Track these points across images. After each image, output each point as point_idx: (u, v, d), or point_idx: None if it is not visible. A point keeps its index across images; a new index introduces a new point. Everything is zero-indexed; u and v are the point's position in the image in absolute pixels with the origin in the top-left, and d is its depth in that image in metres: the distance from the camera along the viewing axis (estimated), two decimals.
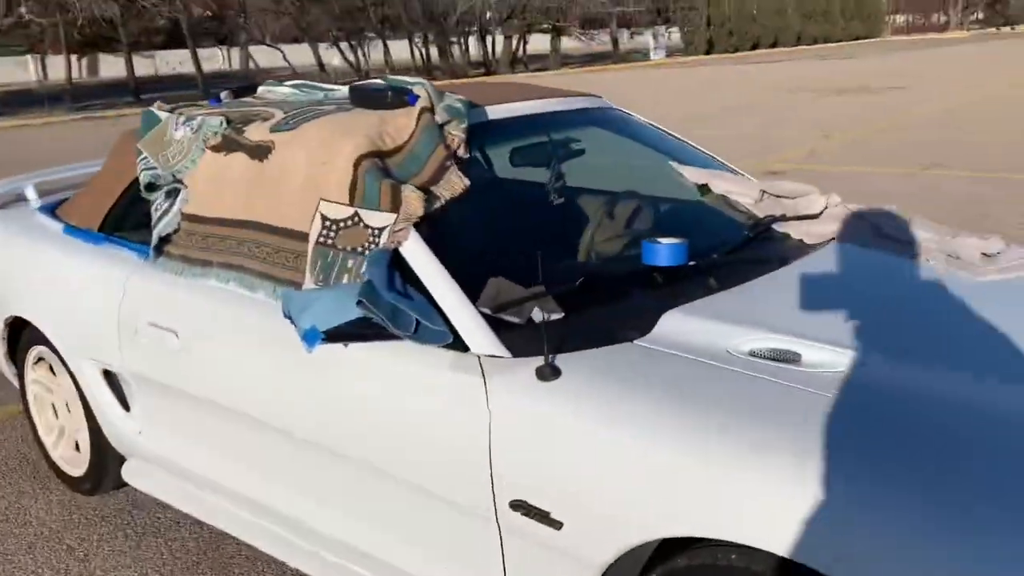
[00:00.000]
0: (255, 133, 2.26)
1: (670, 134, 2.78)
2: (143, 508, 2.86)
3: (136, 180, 2.57)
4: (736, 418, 1.40)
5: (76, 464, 2.99)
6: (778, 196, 2.40)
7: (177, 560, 2.55)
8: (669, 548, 1.48)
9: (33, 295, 2.76)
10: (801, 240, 2.19)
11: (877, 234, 2.17)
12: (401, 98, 2.21)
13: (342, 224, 1.99)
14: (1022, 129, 10.18)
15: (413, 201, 1.91)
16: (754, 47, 51.50)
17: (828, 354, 1.55)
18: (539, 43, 62.12)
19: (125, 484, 2.90)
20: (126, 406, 2.62)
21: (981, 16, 78.57)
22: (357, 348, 1.82)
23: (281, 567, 2.48)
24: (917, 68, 22.86)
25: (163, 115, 2.60)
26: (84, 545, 2.67)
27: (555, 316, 1.76)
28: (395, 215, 1.91)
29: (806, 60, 29.98)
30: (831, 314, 1.71)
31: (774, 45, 52.54)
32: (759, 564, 1.31)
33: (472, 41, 43.53)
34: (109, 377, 2.63)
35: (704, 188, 2.43)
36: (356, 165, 1.99)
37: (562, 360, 1.62)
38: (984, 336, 1.64)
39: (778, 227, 2.25)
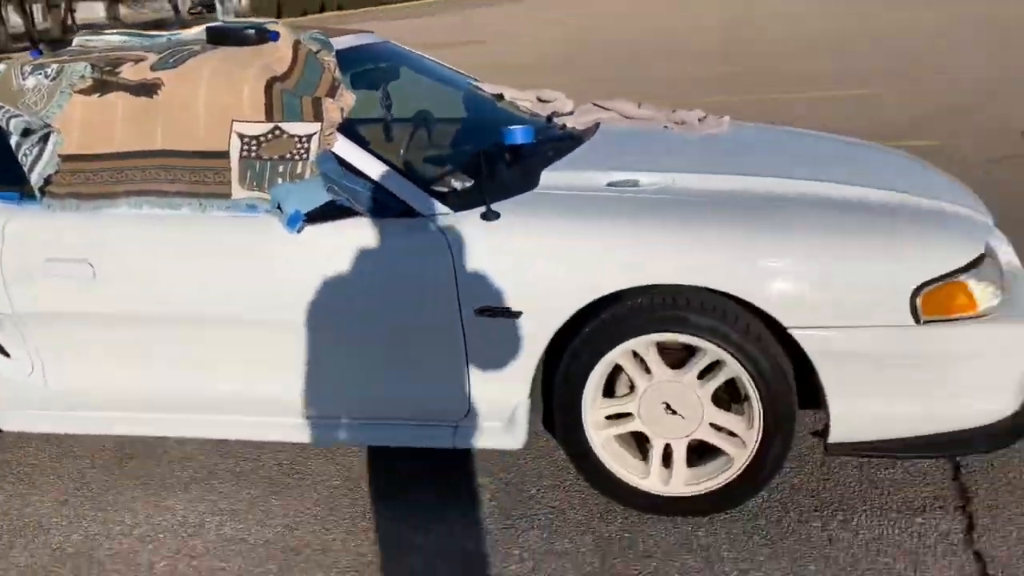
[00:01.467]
0: (133, 73, 2.52)
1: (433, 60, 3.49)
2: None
3: None
4: (614, 214, 2.22)
5: None
6: (541, 100, 3.27)
7: (89, 478, 2.75)
8: (588, 312, 2.27)
9: None
10: (575, 127, 3.08)
11: (622, 116, 3.14)
12: (264, 36, 2.64)
13: (263, 138, 2.41)
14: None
15: (333, 110, 2.42)
16: (322, 9, 52.29)
17: (649, 177, 2.45)
18: (88, 12, 56.11)
19: None
20: (5, 354, 2.68)
21: None
22: (328, 233, 2.31)
23: (187, 453, 2.82)
24: (498, 22, 25.55)
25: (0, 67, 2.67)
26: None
27: (468, 183, 2.43)
28: (319, 124, 2.40)
29: (376, 21, 31.47)
30: (634, 159, 2.61)
31: (339, 8, 53.61)
32: (666, 294, 2.15)
33: (10, 11, 38.31)
34: None
35: (499, 96, 3.21)
36: (267, 88, 2.42)
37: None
38: (715, 155, 2.67)
39: (555, 120, 3.12)
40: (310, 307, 2.36)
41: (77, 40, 2.96)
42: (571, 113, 3.26)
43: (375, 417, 2.50)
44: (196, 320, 2.46)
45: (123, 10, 45.63)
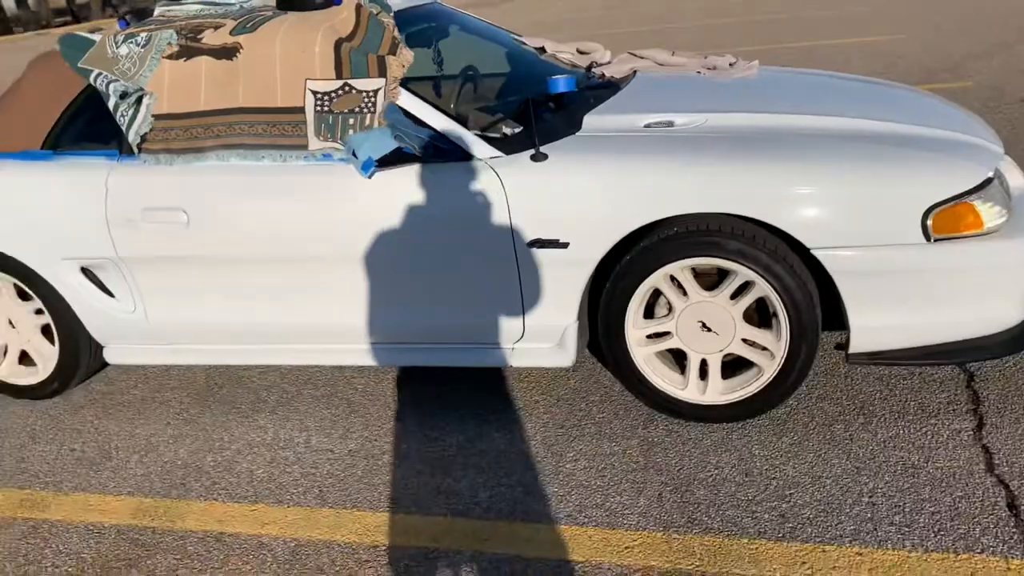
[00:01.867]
0: (214, 38, 2.81)
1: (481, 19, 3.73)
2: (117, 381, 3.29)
3: (77, 98, 2.95)
4: (650, 151, 2.46)
5: (28, 375, 3.27)
6: (581, 52, 3.50)
7: (187, 405, 3.10)
8: (629, 241, 2.53)
9: None
10: (612, 76, 3.31)
11: (656, 64, 3.36)
12: (328, 1, 2.91)
13: (334, 94, 2.69)
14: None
15: (396, 67, 2.68)
16: None
17: (682, 118, 2.68)
18: None
19: (94, 374, 3.29)
20: (109, 294, 3.03)
21: None
22: (396, 177, 2.59)
23: (267, 377, 3.16)
24: None
25: (94, 37, 2.97)
26: (130, 429, 3.08)
27: (517, 129, 2.68)
28: (383, 79, 2.67)
29: None
30: (669, 102, 2.84)
31: None
32: (714, 221, 2.40)
33: None
34: (86, 274, 3.01)
35: (541, 50, 3.45)
36: (336, 48, 2.69)
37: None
38: (746, 98, 2.88)
39: (594, 69, 3.35)
40: (381, 244, 2.65)
41: (158, 10, 3.24)
42: (609, 63, 3.49)
43: (440, 341, 2.80)
44: (279, 259, 2.77)
45: None
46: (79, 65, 2.92)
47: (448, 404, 2.92)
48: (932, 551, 2.01)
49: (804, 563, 2.03)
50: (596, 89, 3.07)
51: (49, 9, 37.29)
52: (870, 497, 2.22)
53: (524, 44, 3.54)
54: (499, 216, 2.54)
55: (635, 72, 3.32)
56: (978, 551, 1.99)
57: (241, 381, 3.26)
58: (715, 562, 2.07)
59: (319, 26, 2.74)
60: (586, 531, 2.24)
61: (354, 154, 2.57)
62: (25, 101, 3.04)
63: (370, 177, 2.59)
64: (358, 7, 2.89)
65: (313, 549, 2.29)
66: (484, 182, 2.54)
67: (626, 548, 2.16)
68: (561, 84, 2.83)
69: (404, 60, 2.75)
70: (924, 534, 2.07)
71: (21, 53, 22.39)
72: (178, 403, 3.16)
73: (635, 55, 3.44)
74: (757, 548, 2.10)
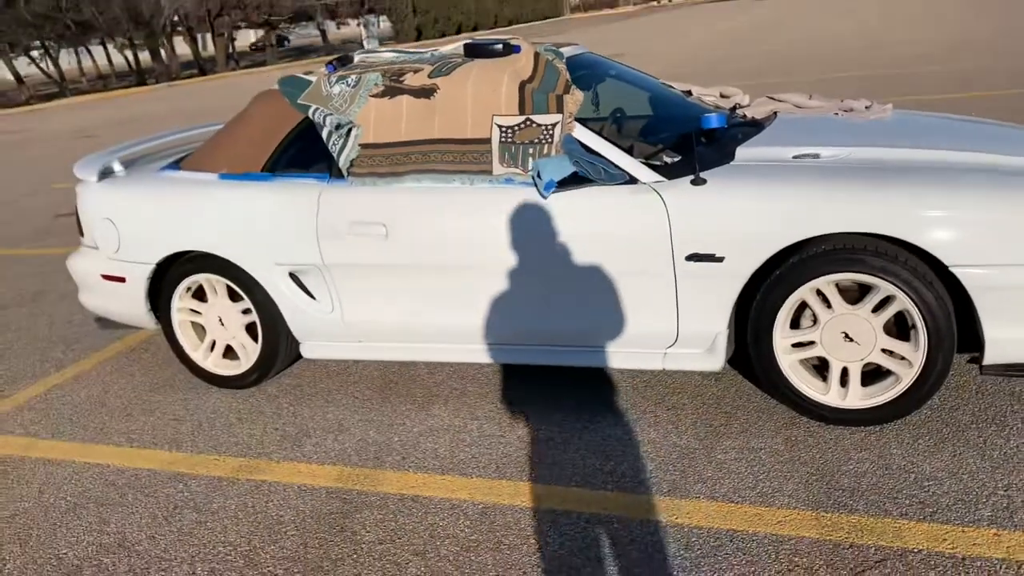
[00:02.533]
0: (415, 80, 3.30)
1: (620, 63, 4.15)
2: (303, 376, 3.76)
3: (294, 129, 3.47)
4: (800, 177, 2.78)
5: (230, 367, 3.78)
6: (723, 96, 3.87)
7: (369, 397, 3.54)
8: (780, 257, 2.85)
9: (205, 229, 3.51)
10: (755, 116, 3.66)
11: (794, 106, 3.70)
12: (509, 49, 3.37)
13: (517, 128, 3.13)
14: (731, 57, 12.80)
15: (572, 104, 3.10)
16: (458, 31, 54.35)
17: (827, 151, 3.01)
18: (244, 39, 60.03)
19: (286, 368, 3.78)
20: (311, 296, 3.51)
21: None
22: (571, 197, 2.99)
23: (440, 378, 3.56)
24: (629, 36, 26.17)
25: (310, 78, 3.51)
26: (295, 407, 3.55)
27: (676, 158, 3.06)
28: (560, 115, 3.09)
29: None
30: (813, 139, 3.17)
31: (475, 28, 55.67)
32: (859, 240, 2.70)
33: (178, 41, 41.79)
34: (293, 278, 3.50)
35: (688, 92, 3.84)
36: (520, 88, 3.14)
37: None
38: (884, 135, 3.19)
39: (738, 111, 3.71)
40: (555, 255, 3.04)
41: (358, 56, 3.78)
42: (749, 105, 3.85)
43: (600, 345, 3.16)
44: (464, 267, 3.19)
45: (275, 37, 48.82)
46: (299, 101, 3.46)
47: (605, 401, 3.26)
48: None
49: (945, 540, 2.28)
50: (743, 126, 3.43)
51: (179, 63, 40.09)
52: (1005, 490, 2.45)
53: (672, 87, 3.93)
54: (661, 232, 2.90)
55: (775, 113, 3.66)
56: None
57: (414, 378, 3.68)
58: (862, 536, 2.34)
59: (505, 70, 3.20)
60: (741, 507, 2.53)
61: (538, 175, 2.98)
62: (248, 131, 3.59)
63: (548, 196, 3.00)
64: (536, 55, 3.34)
65: (499, 511, 2.65)
66: (648, 202, 2.92)
67: (778, 522, 2.44)
68: (714, 120, 3.19)
69: (577, 99, 3.18)
70: None
71: (154, 103, 24.23)
72: (361, 394, 3.60)
73: (773, 98, 3.79)
74: (900, 526, 2.36)
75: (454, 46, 3.71)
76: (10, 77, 34.37)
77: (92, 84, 39.69)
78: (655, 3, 78.99)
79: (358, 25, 53.97)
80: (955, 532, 2.31)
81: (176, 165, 3.84)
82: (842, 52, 14.25)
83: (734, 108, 3.79)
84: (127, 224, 3.70)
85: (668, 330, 3.03)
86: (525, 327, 3.20)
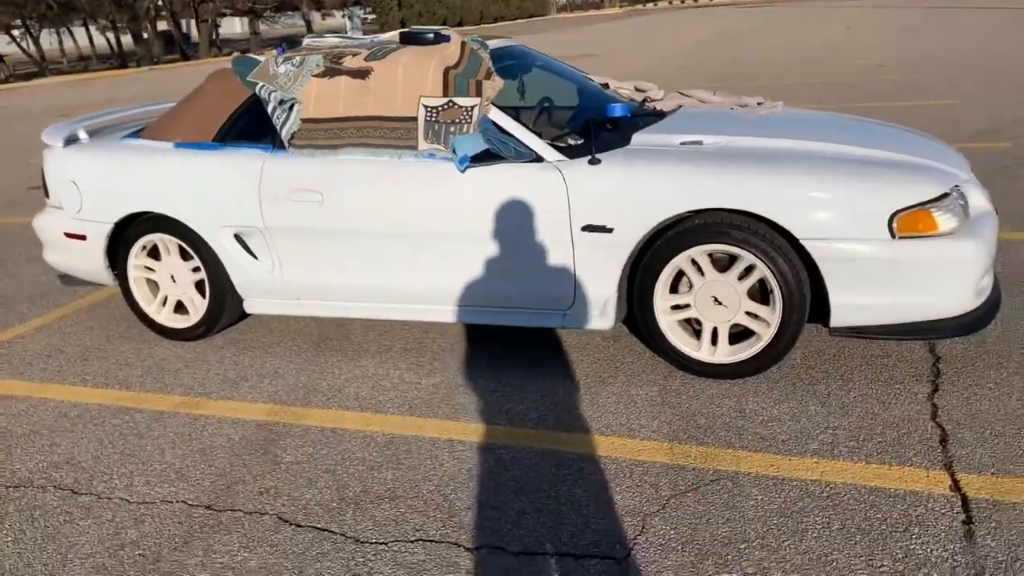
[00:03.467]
0: (352, 63, 3.67)
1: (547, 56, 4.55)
2: (246, 331, 4.13)
3: (243, 103, 3.84)
4: (681, 160, 3.19)
5: (181, 320, 4.14)
6: (638, 89, 4.28)
7: (304, 349, 3.91)
8: (661, 230, 3.25)
9: (160, 193, 3.87)
10: (662, 109, 4.07)
11: (699, 101, 4.11)
12: (439, 38, 3.76)
13: (440, 108, 3.51)
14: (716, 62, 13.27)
15: (489, 89, 3.49)
16: (443, 24, 54.58)
17: (710, 139, 3.42)
18: (229, 27, 59.93)
19: (231, 324, 4.14)
20: (253, 257, 3.88)
21: None
22: (484, 172, 3.38)
23: (384, 330, 3.94)
24: (607, 38, 26.62)
25: (260, 58, 3.88)
26: (232, 359, 3.91)
27: (579, 141, 3.46)
28: (479, 98, 3.48)
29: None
30: (703, 128, 3.58)
31: (460, 24, 55.90)
32: (727, 216, 3.11)
33: (161, 25, 41.73)
34: (237, 239, 3.86)
35: (605, 85, 4.25)
36: (444, 73, 3.52)
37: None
38: (765, 127, 3.60)
39: (647, 104, 4.12)
40: (467, 224, 3.43)
41: (306, 41, 4.15)
42: (660, 99, 4.26)
43: (507, 306, 3.55)
44: (389, 233, 3.57)
45: (261, 26, 48.88)
46: (247, 79, 3.83)
47: (510, 356, 3.65)
48: (872, 464, 2.65)
49: (772, 465, 2.69)
50: (646, 116, 3.84)
51: (161, 47, 40.05)
52: (834, 431, 2.87)
53: (591, 79, 4.34)
54: (560, 205, 3.29)
55: (680, 107, 4.07)
56: (907, 464, 2.63)
57: (347, 335, 4.06)
58: (705, 462, 2.75)
59: (433, 56, 3.58)
60: (609, 438, 2.93)
61: (454, 151, 3.37)
62: (202, 104, 3.96)
63: (464, 171, 3.38)
64: (462, 44, 3.73)
65: (403, 441, 3.04)
66: (551, 179, 3.31)
67: (638, 451, 2.85)
68: (617, 110, 3.60)
69: (495, 85, 3.56)
70: (869, 454, 2.71)
71: (135, 85, 24.35)
72: (297, 347, 3.97)
73: (683, 94, 4.20)
74: (739, 456, 2.77)
75: (391, 34, 4.09)
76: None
77: (73, 66, 39.61)
78: (640, 6, 79.62)
79: (343, 16, 54.13)
80: (783, 460, 2.72)
81: (136, 134, 4.20)
82: (807, 61, 14.76)
83: (644, 101, 4.20)
84: (89, 186, 4.05)
85: (566, 293, 3.42)
86: (442, 288, 3.59)
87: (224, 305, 4.00)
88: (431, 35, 3.76)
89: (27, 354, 4.15)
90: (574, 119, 3.86)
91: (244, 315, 4.23)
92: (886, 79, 11.39)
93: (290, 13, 56.76)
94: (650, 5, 78.66)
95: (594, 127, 3.46)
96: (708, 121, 3.76)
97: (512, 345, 3.79)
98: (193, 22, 42.32)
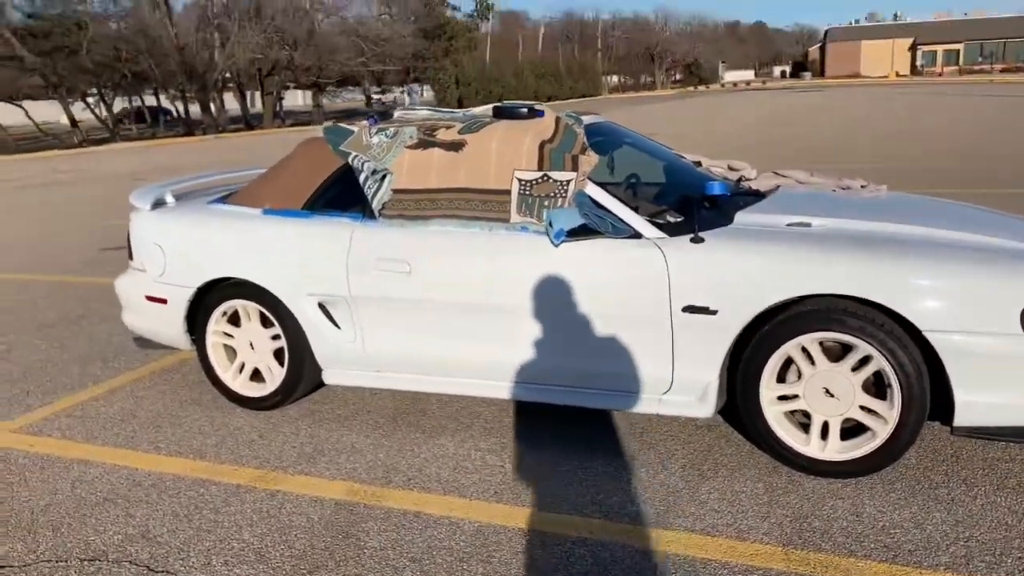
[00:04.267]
0: (446, 135, 3.63)
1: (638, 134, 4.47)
2: (327, 402, 4.01)
3: (334, 172, 3.81)
4: (802, 243, 3.04)
5: (256, 388, 4.05)
6: (731, 168, 4.16)
7: (381, 424, 3.77)
8: (768, 314, 3.08)
9: (246, 259, 3.82)
10: (759, 188, 3.94)
11: (797, 181, 3.98)
12: (533, 113, 3.71)
13: (534, 182, 3.43)
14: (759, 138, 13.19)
15: (586, 164, 3.41)
16: (500, 100, 55.78)
17: (819, 221, 3.27)
18: (292, 99, 62.09)
19: (307, 394, 4.03)
20: (336, 326, 3.79)
21: (679, 77, 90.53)
22: (580, 247, 3.27)
23: (466, 407, 3.79)
24: (661, 117, 26.85)
25: (353, 128, 3.87)
26: (342, 429, 3.79)
27: (679, 218, 3.34)
28: (575, 173, 3.39)
29: None
30: (808, 210, 3.44)
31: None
32: (842, 303, 2.94)
33: (228, 97, 43.32)
34: (321, 308, 3.79)
35: (698, 163, 4.14)
36: (540, 148, 3.45)
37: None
38: (874, 210, 3.44)
39: (743, 183, 4.00)
40: (561, 299, 3.30)
41: (398, 113, 4.14)
42: (755, 179, 4.13)
43: (599, 387, 3.39)
44: (477, 307, 3.46)
45: (324, 100, 50.49)
46: (340, 148, 3.80)
47: (601, 441, 3.47)
48: None
49: None
50: (745, 196, 3.71)
51: (226, 117, 41.48)
52: (966, 542, 2.62)
53: (683, 157, 4.24)
54: (660, 283, 3.15)
55: (779, 187, 3.94)
56: None
57: (424, 411, 3.92)
58: (826, 571, 2.51)
59: (528, 131, 3.52)
60: (717, 540, 2.72)
61: (549, 225, 3.27)
62: (292, 172, 3.94)
63: (559, 244, 3.27)
64: (557, 119, 3.67)
65: (492, 531, 2.86)
66: (650, 256, 3.18)
67: (750, 555, 2.62)
68: (716, 188, 3.48)
69: (591, 160, 3.48)
70: (1011, 572, 2.45)
71: (201, 152, 25.11)
72: (374, 422, 3.84)
73: (778, 174, 4.07)
74: (862, 566, 2.53)
75: (484, 108, 4.06)
76: (66, 120, 35.80)
77: (142, 132, 41.17)
78: (691, 88, 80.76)
79: (402, 93, 55.71)
80: (912, 573, 2.48)
81: (224, 200, 4.19)
82: (859, 143, 14.61)
83: (739, 180, 4.08)
84: (174, 250, 4.03)
85: (664, 377, 3.25)
86: (533, 366, 3.44)
87: (302, 374, 3.90)
88: (525, 110, 3.71)
89: (100, 417, 4.08)
90: (669, 196, 3.74)
91: (319, 385, 4.12)
92: (958, 165, 11.17)
93: (351, 88, 58.60)
94: (702, 88, 79.74)
95: (695, 204, 3.34)
96: (812, 202, 3.61)
97: (601, 429, 3.60)
98: (258, 94, 43.87)
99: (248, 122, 41.04)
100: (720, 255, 3.10)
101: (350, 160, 3.75)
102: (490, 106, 3.97)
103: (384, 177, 3.68)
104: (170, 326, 4.15)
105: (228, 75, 39.70)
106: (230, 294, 3.96)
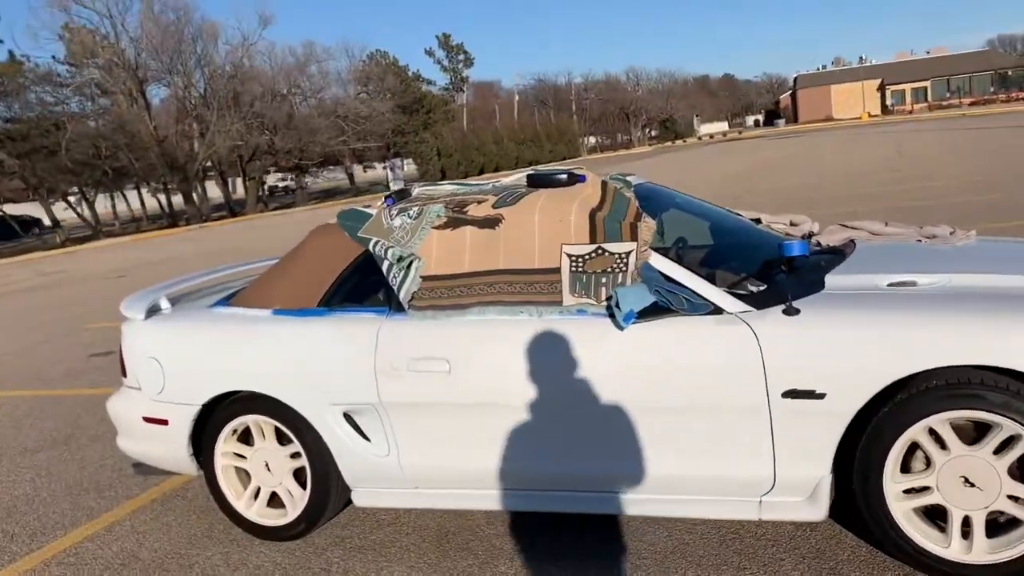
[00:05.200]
0: (478, 211, 3.18)
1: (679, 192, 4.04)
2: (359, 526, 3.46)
3: (352, 262, 3.34)
4: (903, 306, 2.58)
5: (275, 516, 3.50)
6: (793, 224, 3.73)
7: (425, 551, 3.23)
8: (885, 393, 2.60)
9: (256, 368, 3.33)
10: (830, 243, 3.50)
11: (871, 233, 3.54)
12: (574, 179, 3.27)
13: (587, 257, 2.97)
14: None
15: (646, 231, 2.96)
16: (481, 172, 56.07)
17: (924, 278, 2.81)
18: (274, 181, 62.17)
19: (333, 517, 3.49)
20: (366, 439, 3.27)
21: (655, 133, 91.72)
22: (649, 328, 2.80)
23: (511, 533, 3.26)
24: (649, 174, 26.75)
25: (370, 211, 3.42)
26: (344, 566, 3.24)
27: (762, 286, 2.88)
28: (635, 243, 2.94)
29: None
30: (904, 266, 2.99)
31: (496, 169, 57.39)
32: (977, 374, 2.46)
33: (209, 184, 43.25)
34: (347, 419, 3.28)
35: (757, 220, 3.71)
36: (591, 217, 3.01)
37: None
38: (977, 261, 3.00)
39: (813, 239, 3.56)
40: (638, 392, 2.81)
41: (417, 190, 3.70)
42: (820, 232, 3.70)
43: (684, 493, 2.87)
44: (531, 407, 2.96)
45: (307, 179, 50.53)
46: (359, 235, 3.34)
47: (691, 556, 2.94)
48: None
49: None
50: (824, 254, 3.26)
51: (209, 205, 41.33)
52: None
53: (740, 215, 3.80)
54: (752, 366, 2.67)
55: (852, 241, 3.50)
56: None
57: (472, 529, 3.38)
58: None
59: (573, 199, 3.08)
60: None
61: (616, 306, 2.79)
62: (303, 265, 3.46)
63: (626, 328, 2.80)
64: (603, 183, 3.23)
65: None
66: (738, 334, 2.71)
67: None
68: (796, 248, 3.03)
69: (651, 226, 3.03)
70: None
71: (185, 243, 24.71)
72: (416, 548, 3.29)
73: (847, 226, 3.64)
74: None
75: (515, 177, 3.63)
76: (47, 222, 35.51)
77: (124, 227, 40.86)
78: (669, 143, 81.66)
79: (383, 168, 55.89)
80: None
81: (226, 301, 3.71)
82: (834, 192, 14.36)
83: (807, 236, 3.64)
84: (173, 363, 3.53)
85: (764, 475, 2.75)
86: (604, 472, 2.94)
87: (328, 497, 3.37)
88: (564, 176, 3.28)
89: (97, 563, 3.52)
90: (737, 262, 3.29)
91: (345, 505, 3.58)
92: (974, 198, 10.85)
93: (331, 168, 58.81)
94: (679, 142, 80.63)
95: (776, 269, 2.88)
96: (905, 257, 3.17)
97: (687, 541, 3.08)
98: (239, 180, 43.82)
99: (231, 208, 40.83)
100: (821, 328, 2.63)
101: (370, 247, 3.29)
102: (522, 173, 3.54)
103: (411, 264, 3.22)
104: (173, 450, 3.62)
105: (209, 163, 39.61)
106: (240, 409, 3.45)
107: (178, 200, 39.95)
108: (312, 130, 41.99)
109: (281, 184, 62.74)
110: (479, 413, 3.05)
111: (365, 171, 63.11)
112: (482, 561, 3.12)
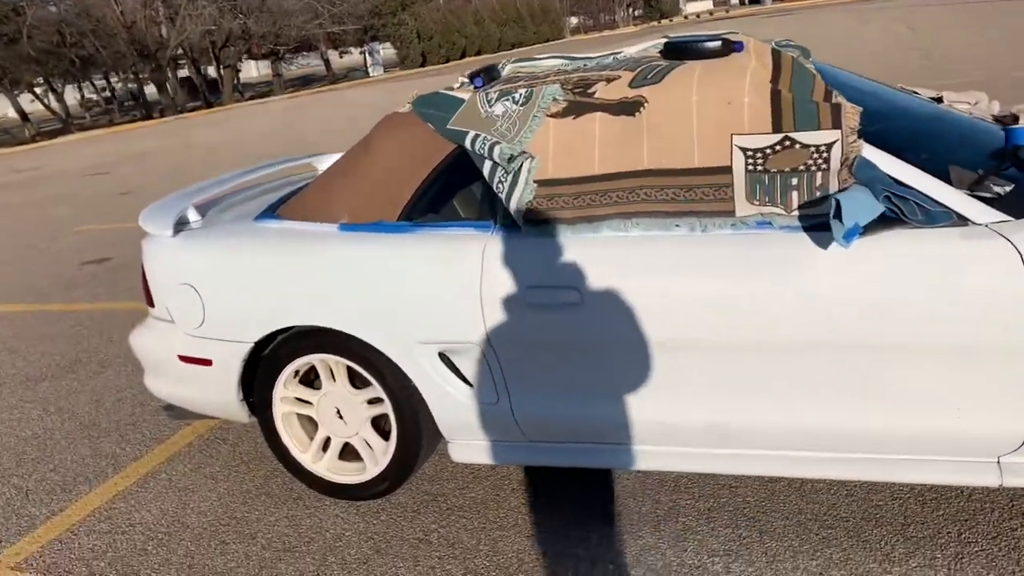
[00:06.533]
0: (610, 92, 2.43)
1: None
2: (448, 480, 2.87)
3: (440, 163, 2.61)
4: None
5: (350, 471, 2.90)
6: (974, 103, 3.01)
7: (547, 517, 2.64)
8: None
9: (323, 297, 2.64)
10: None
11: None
12: (730, 47, 2.51)
13: (769, 151, 2.26)
14: None
15: (852, 115, 2.23)
16: (462, 56, 53.93)
17: None
18: (247, 71, 59.92)
19: (411, 475, 2.89)
20: (467, 383, 2.63)
21: (639, 13, 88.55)
22: (875, 246, 2.12)
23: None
24: None
25: (461, 95, 2.66)
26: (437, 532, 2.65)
27: (1008, 187, 2.19)
28: (838, 131, 2.22)
29: None
30: None
31: (479, 53, 55.25)
32: None
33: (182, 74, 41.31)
34: (443, 359, 2.62)
35: (938, 99, 2.97)
36: (774, 97, 2.27)
37: None
38: None
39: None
40: (852, 329, 2.15)
41: (508, 68, 2.93)
42: (1012, 113, 2.98)
43: (913, 452, 2.26)
44: (701, 347, 2.30)
45: (283, 68, 48.34)
46: (449, 127, 2.60)
47: (912, 532, 2.37)
48: None
49: None
50: None
51: (184, 95, 39.45)
52: None
53: (917, 94, 3.05)
54: (1017, 291, 2.01)
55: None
56: None
57: (588, 486, 2.79)
58: None
59: (741, 73, 2.33)
60: None
61: (836, 217, 2.09)
62: (376, 167, 2.72)
63: (849, 246, 2.12)
64: (775, 52, 2.48)
65: None
66: (995, 252, 2.04)
67: None
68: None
69: (854, 110, 2.29)
70: None
71: (163, 137, 23.43)
72: (527, 511, 2.71)
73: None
74: None
75: (642, 47, 2.86)
76: (14, 114, 33.84)
77: (96, 119, 39.05)
78: (655, 23, 78.86)
79: (360, 53, 53.57)
80: None
81: (272, 213, 2.97)
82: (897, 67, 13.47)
83: (999, 118, 2.92)
84: (215, 292, 2.83)
85: (1013, 430, 2.13)
86: (798, 427, 2.31)
87: (419, 450, 2.75)
88: (715, 43, 2.50)
89: (137, 531, 2.92)
90: (954, 154, 2.57)
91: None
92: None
93: (305, 54, 56.38)
94: (665, 22, 77.86)
95: (1013, 165, 2.19)
96: None
97: (912, 511, 2.50)
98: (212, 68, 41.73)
99: (206, 99, 39.04)
100: None
101: (467, 143, 2.55)
102: (653, 43, 2.77)
103: (522, 164, 2.49)
104: (219, 394, 2.97)
105: (181, 51, 37.56)
106: (304, 347, 2.78)
107: (151, 91, 38.10)
108: (286, 12, 39.68)
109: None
110: (621, 356, 2.39)
111: (341, 56, 60.57)
112: (625, 525, 2.54)
